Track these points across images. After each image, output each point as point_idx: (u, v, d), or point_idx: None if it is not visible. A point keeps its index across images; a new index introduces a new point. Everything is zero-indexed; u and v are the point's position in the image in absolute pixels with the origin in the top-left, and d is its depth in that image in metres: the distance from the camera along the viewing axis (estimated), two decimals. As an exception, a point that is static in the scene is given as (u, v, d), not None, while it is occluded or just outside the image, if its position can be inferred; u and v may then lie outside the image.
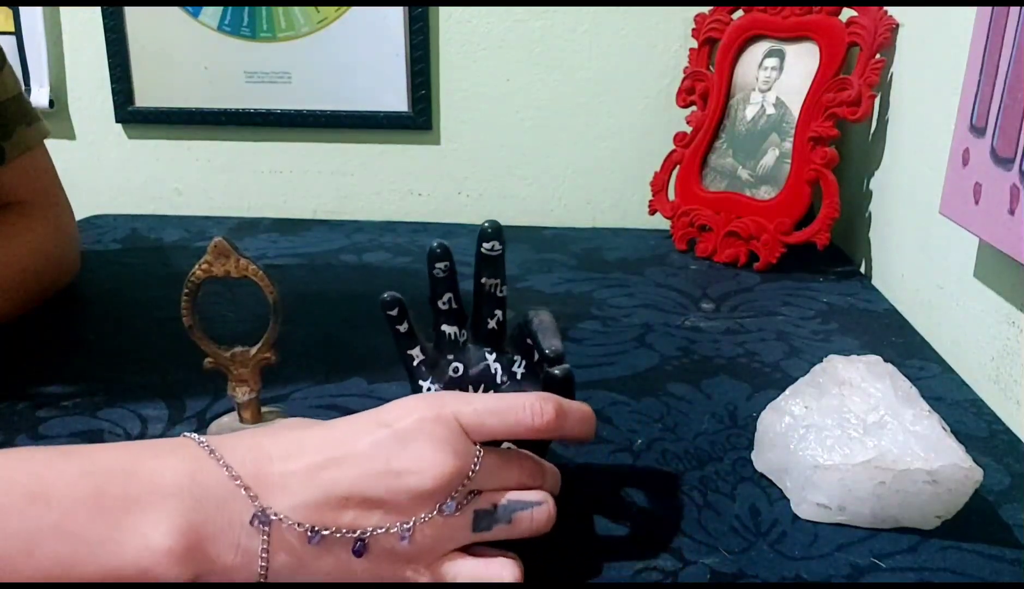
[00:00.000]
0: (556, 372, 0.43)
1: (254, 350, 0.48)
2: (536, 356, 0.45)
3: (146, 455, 0.35)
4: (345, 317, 0.75)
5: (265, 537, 0.34)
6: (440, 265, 0.47)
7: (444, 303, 0.47)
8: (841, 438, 0.46)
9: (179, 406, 0.58)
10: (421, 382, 0.48)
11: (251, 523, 0.34)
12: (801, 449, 0.47)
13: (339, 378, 0.63)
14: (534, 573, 0.42)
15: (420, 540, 0.37)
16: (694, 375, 0.64)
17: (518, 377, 0.47)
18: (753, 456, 0.52)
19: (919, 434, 0.45)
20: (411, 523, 0.36)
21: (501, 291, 0.47)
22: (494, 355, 0.48)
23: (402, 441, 0.37)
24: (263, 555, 0.34)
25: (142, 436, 0.54)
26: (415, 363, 0.48)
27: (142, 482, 0.34)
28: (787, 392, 0.52)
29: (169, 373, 0.63)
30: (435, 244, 0.47)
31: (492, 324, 0.47)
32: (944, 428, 0.46)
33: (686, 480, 0.50)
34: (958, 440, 0.45)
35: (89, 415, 0.57)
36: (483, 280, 0.46)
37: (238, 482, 0.35)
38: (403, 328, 0.48)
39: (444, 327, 0.48)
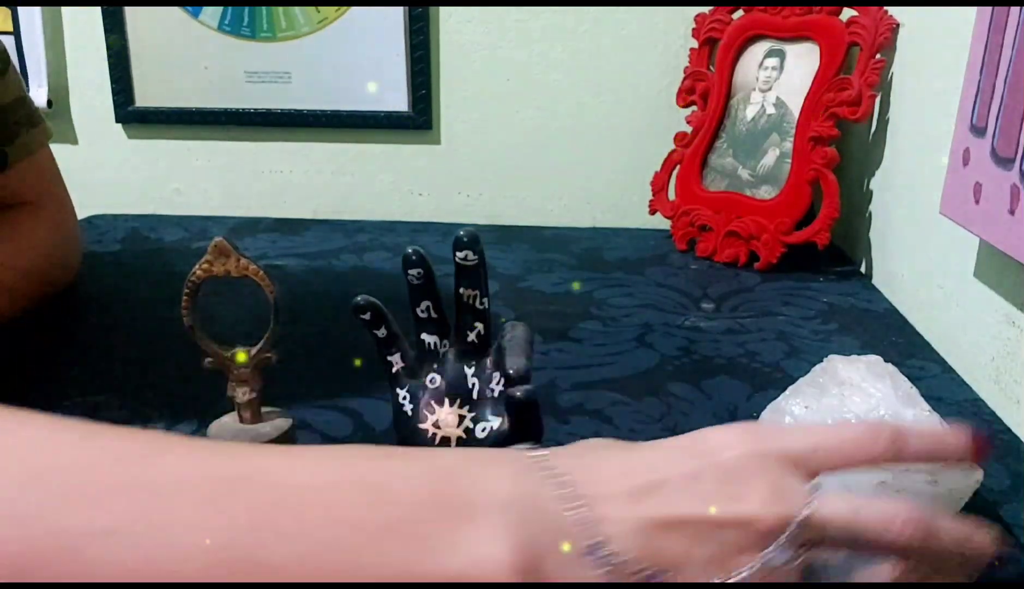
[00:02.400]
0: (517, 393, 0.41)
1: (254, 350, 0.48)
2: None
3: (479, 462, 0.34)
4: (345, 317, 0.75)
5: (601, 571, 0.32)
6: (414, 272, 0.45)
7: (423, 311, 0.46)
8: None
9: (179, 406, 0.58)
10: (398, 390, 0.47)
11: (586, 555, 0.32)
12: None
13: (339, 378, 0.62)
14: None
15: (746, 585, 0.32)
16: (694, 375, 0.64)
17: (495, 394, 0.45)
18: None
19: None
20: (747, 572, 0.32)
21: (481, 303, 0.45)
22: (473, 369, 0.46)
23: (727, 473, 0.33)
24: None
25: (142, 436, 0.54)
26: (394, 370, 0.47)
27: (479, 489, 0.32)
28: (787, 392, 0.52)
29: (169, 373, 0.63)
30: (410, 250, 0.45)
31: (472, 337, 0.45)
32: (945, 426, 0.46)
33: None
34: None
35: (89, 415, 0.57)
36: (461, 291, 0.45)
37: (570, 504, 0.32)
38: (381, 333, 0.46)
39: (424, 336, 0.46)
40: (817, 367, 0.53)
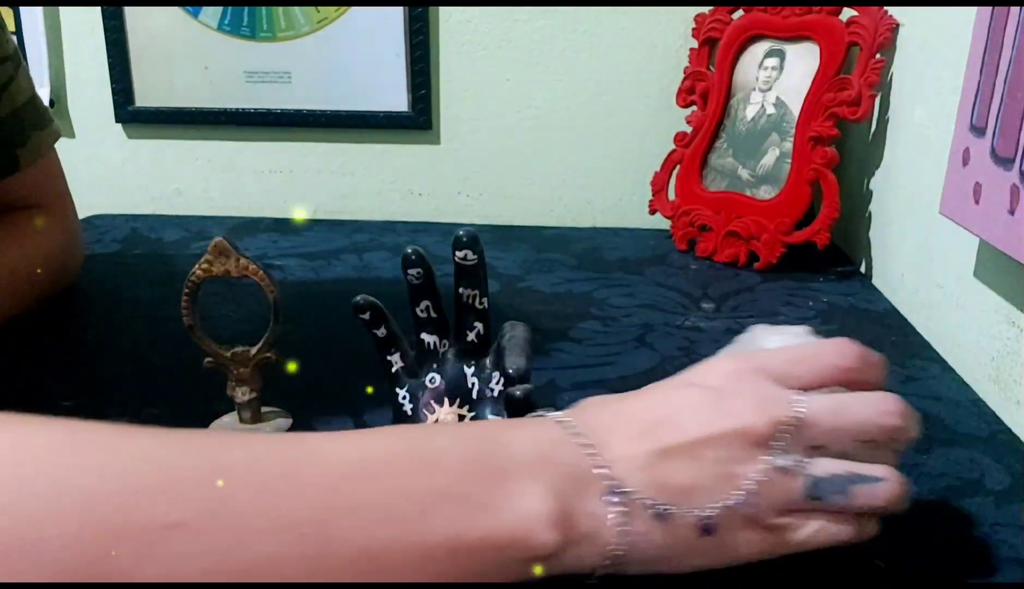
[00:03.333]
0: (516, 392, 0.41)
1: (254, 350, 0.48)
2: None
3: (505, 427, 0.38)
4: (345, 317, 0.75)
5: (617, 510, 0.35)
6: (413, 271, 0.45)
7: (422, 311, 0.46)
8: None
9: (179, 406, 0.58)
10: (397, 389, 0.47)
11: (605, 496, 0.35)
12: None
13: (339, 378, 0.62)
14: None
15: (756, 500, 0.36)
16: (694, 375, 0.64)
17: (494, 394, 0.45)
18: None
19: None
20: (755, 483, 0.35)
21: (480, 303, 0.45)
22: (472, 369, 0.46)
23: (719, 393, 0.37)
24: (615, 526, 0.35)
25: (142, 436, 0.54)
26: (393, 370, 0.47)
27: (511, 451, 0.35)
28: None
29: (169, 373, 0.63)
30: (409, 249, 0.45)
31: (471, 337, 0.46)
32: None
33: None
34: (957, 438, 0.45)
35: (89, 415, 0.57)
36: (460, 290, 0.45)
37: (588, 453, 0.35)
38: (380, 333, 0.46)
39: (423, 335, 0.46)
40: (739, 336, 0.50)
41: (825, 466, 0.37)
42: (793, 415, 0.36)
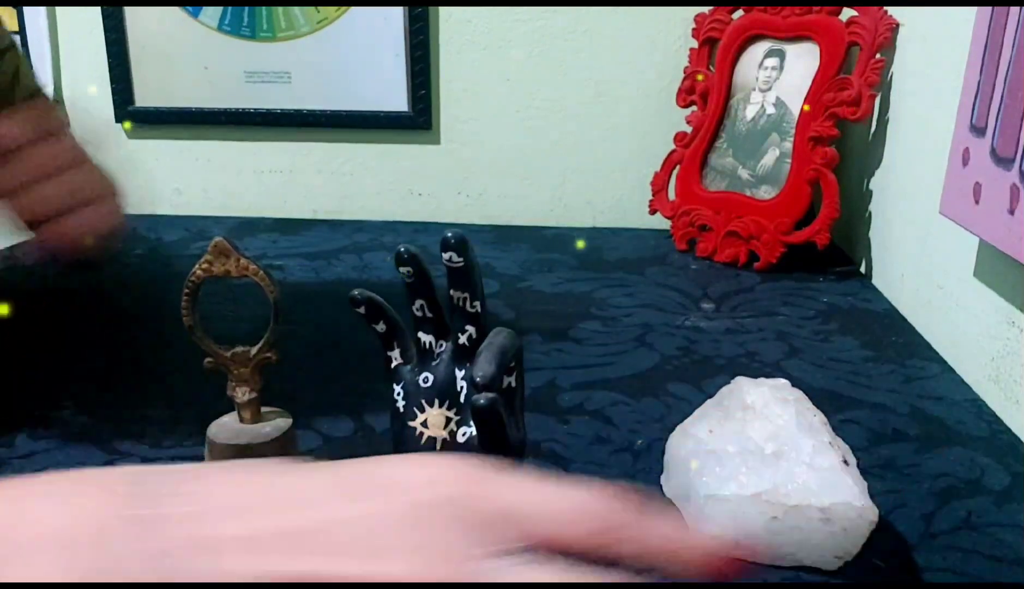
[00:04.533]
0: (479, 400, 0.39)
1: (254, 350, 0.48)
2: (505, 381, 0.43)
3: (37, 494, 0.28)
4: (345, 317, 0.75)
5: None
6: (404, 270, 0.44)
7: (418, 310, 0.46)
8: (738, 467, 0.44)
9: (179, 406, 0.58)
10: (394, 385, 0.47)
11: None
12: (698, 476, 0.45)
13: (339, 378, 0.63)
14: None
15: None
16: (694, 375, 0.64)
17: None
18: (662, 480, 0.50)
19: (816, 467, 0.43)
20: None
21: (472, 306, 0.44)
22: (463, 372, 0.46)
23: (392, 520, 0.26)
24: None
25: (142, 436, 0.54)
26: (392, 365, 0.47)
27: (21, 524, 0.26)
28: (695, 413, 0.50)
29: (169, 373, 0.63)
30: (401, 248, 0.44)
31: (463, 340, 0.45)
32: (846, 462, 0.44)
33: (686, 480, 0.50)
34: (957, 438, 0.45)
35: (89, 415, 0.57)
36: (451, 293, 0.44)
37: (152, 539, 0.25)
38: (380, 328, 0.46)
39: (420, 334, 0.46)
40: (724, 388, 0.51)
41: None
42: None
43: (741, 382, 0.50)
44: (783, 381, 0.50)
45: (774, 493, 0.42)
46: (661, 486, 0.49)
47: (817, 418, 0.47)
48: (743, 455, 0.44)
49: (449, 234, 0.43)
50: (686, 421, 0.50)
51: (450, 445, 0.44)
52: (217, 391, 0.48)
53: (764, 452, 0.44)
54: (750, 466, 0.43)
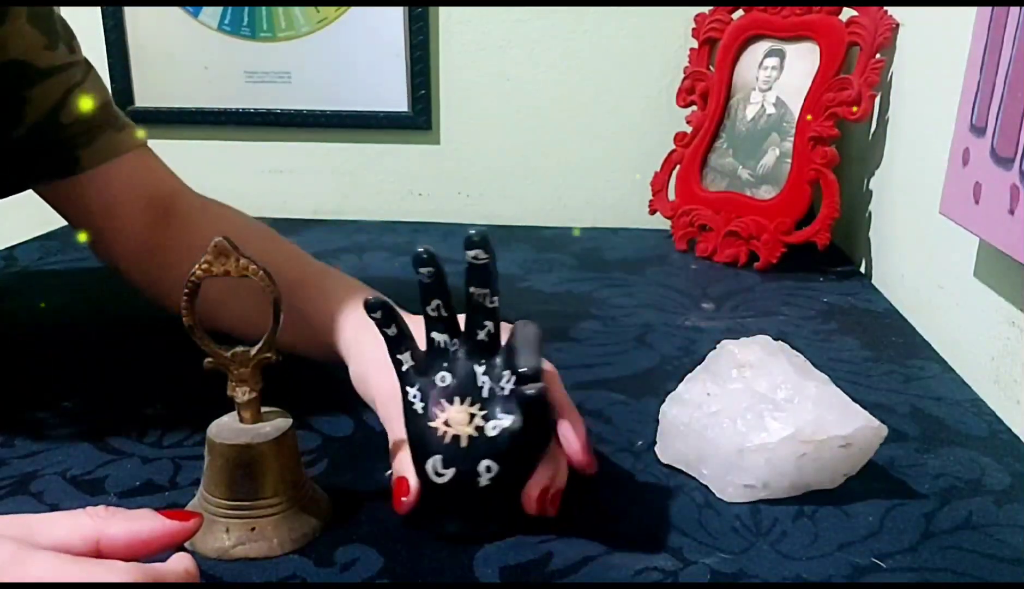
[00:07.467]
0: (527, 391, 0.41)
1: (254, 350, 0.48)
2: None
3: None
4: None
5: None
6: (424, 270, 0.45)
7: (433, 310, 0.46)
8: (754, 420, 0.48)
9: (179, 406, 0.58)
10: (408, 388, 0.47)
11: None
12: (717, 435, 0.48)
13: (339, 378, 0.62)
14: (533, 573, 0.42)
15: None
16: (694, 375, 0.64)
17: (505, 392, 0.45)
18: (658, 449, 0.52)
19: (826, 403, 0.48)
20: None
21: (491, 302, 0.45)
22: (483, 367, 0.46)
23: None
24: None
25: (142, 435, 0.54)
26: (404, 368, 0.47)
27: None
28: (684, 383, 0.53)
29: (169, 373, 0.63)
30: (420, 249, 0.45)
31: (482, 336, 0.46)
32: (842, 392, 0.49)
33: (686, 480, 0.50)
34: (957, 438, 0.45)
35: (89, 415, 0.57)
36: (471, 290, 0.45)
37: None
38: (391, 331, 0.46)
39: (434, 334, 0.47)
40: (711, 353, 0.55)
41: None
42: None
43: (728, 344, 0.54)
44: (766, 337, 0.54)
45: (801, 433, 0.46)
46: (656, 455, 0.52)
47: (806, 362, 0.52)
48: (759, 406, 0.48)
49: (473, 232, 0.44)
50: (678, 388, 0.53)
51: (479, 440, 0.44)
52: (217, 391, 0.48)
53: (777, 399, 0.49)
54: (766, 416, 0.48)
